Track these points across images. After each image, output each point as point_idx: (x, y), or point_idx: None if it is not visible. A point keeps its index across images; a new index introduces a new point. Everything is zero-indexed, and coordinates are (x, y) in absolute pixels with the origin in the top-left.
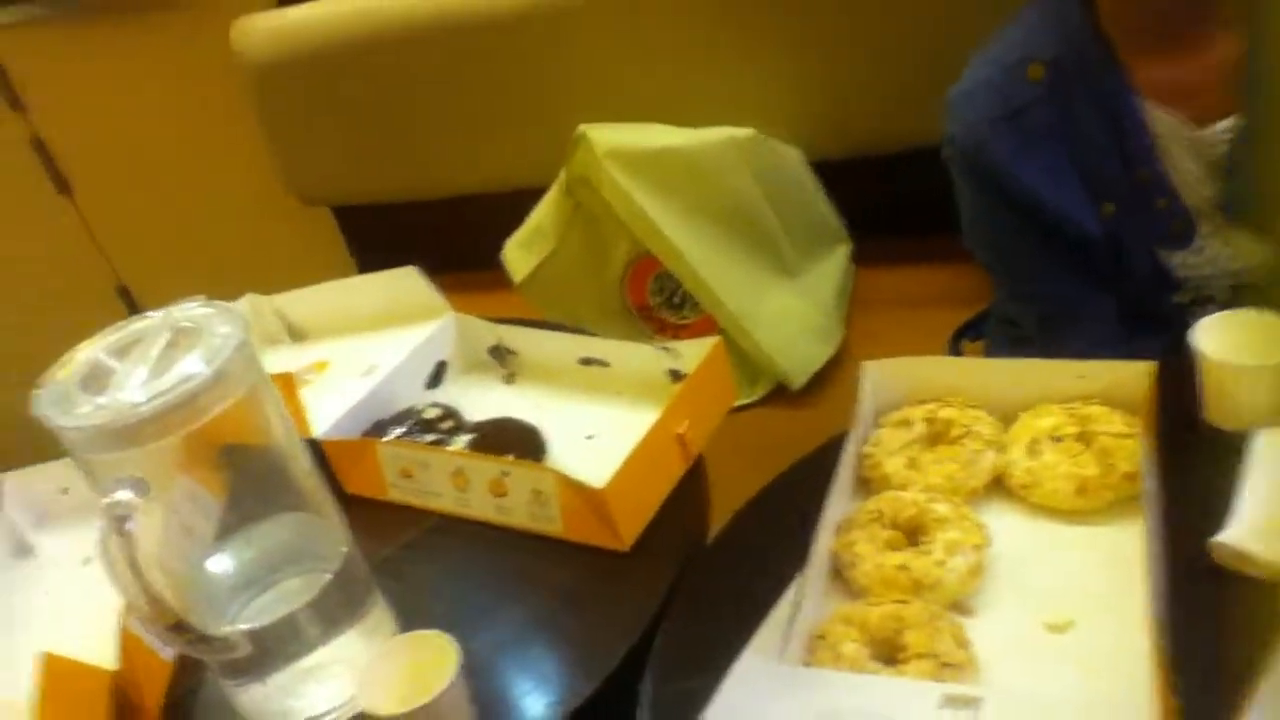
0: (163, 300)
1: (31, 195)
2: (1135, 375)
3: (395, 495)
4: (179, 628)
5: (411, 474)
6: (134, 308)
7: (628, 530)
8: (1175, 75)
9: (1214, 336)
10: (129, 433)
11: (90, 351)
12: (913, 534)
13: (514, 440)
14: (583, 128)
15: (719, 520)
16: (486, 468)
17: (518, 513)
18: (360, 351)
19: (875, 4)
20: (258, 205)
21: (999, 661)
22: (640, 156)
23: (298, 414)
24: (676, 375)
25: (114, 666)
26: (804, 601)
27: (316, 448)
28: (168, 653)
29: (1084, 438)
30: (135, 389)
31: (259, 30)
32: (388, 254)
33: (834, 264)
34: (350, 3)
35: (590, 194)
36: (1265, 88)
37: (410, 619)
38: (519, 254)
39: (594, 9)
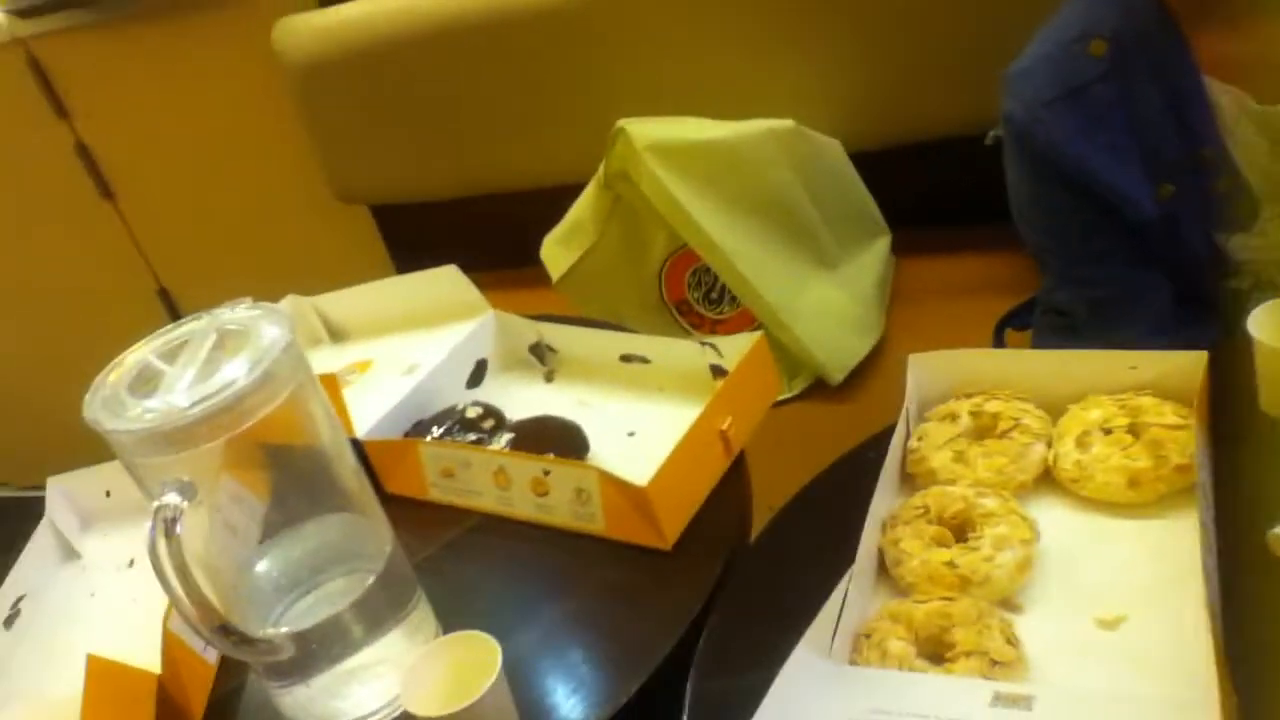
0: (202, 302)
1: (75, 201)
2: (1187, 365)
3: (436, 495)
4: (225, 630)
5: (453, 473)
6: (174, 310)
7: (671, 528)
8: (1240, 50)
9: (1271, 323)
10: (178, 436)
11: (139, 355)
12: (959, 529)
13: (555, 438)
14: (621, 122)
15: (758, 516)
16: (528, 466)
17: (560, 511)
18: (401, 351)
19: None
20: (295, 206)
21: (1049, 659)
22: (679, 150)
23: (342, 414)
24: (718, 371)
25: (158, 669)
26: (850, 599)
27: (358, 448)
28: (211, 655)
29: (1134, 429)
30: (183, 392)
31: (300, 30)
32: (425, 252)
33: (874, 255)
34: (390, 2)
35: (629, 188)
36: None
37: (452, 619)
38: (557, 250)
39: (631, 4)
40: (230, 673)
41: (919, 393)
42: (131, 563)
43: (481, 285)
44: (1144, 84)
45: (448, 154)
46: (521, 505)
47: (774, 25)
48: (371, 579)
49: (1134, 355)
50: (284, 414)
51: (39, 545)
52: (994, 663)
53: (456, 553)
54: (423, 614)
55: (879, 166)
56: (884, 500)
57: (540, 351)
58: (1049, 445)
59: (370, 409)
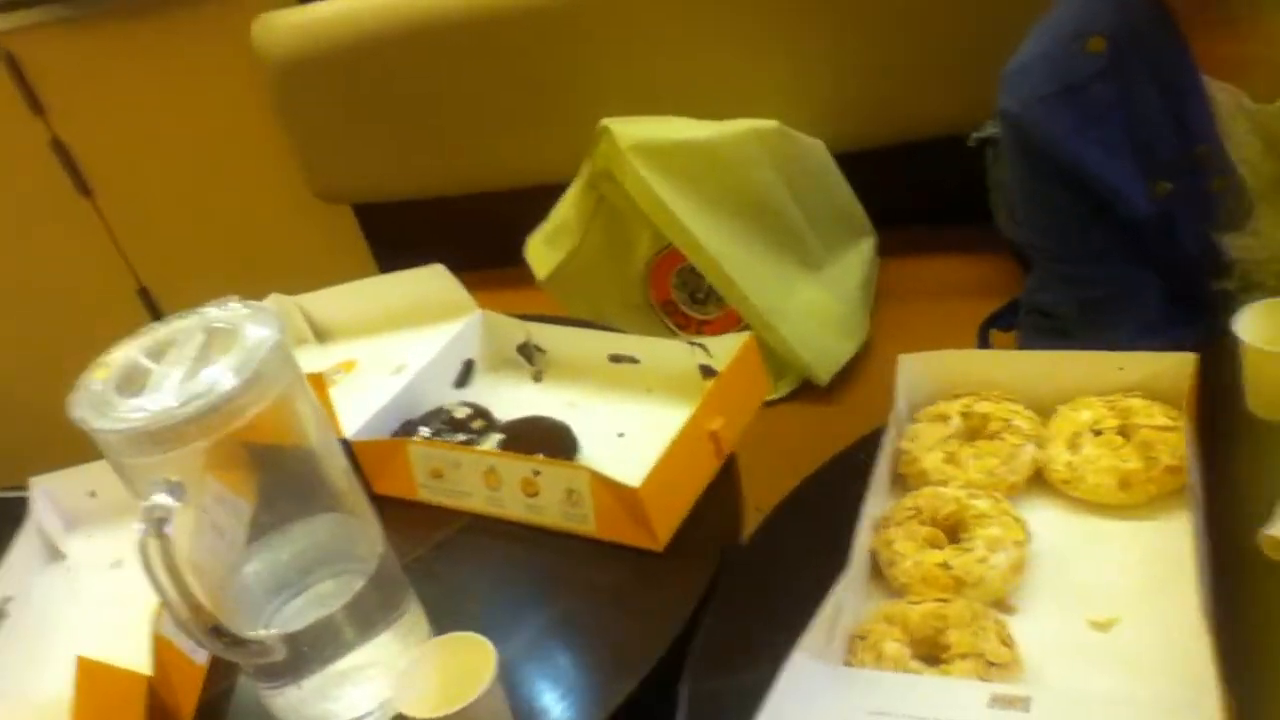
0: (183, 301)
1: (52, 198)
2: (1176, 366)
3: (425, 495)
4: (216, 631)
5: (442, 474)
6: (154, 309)
7: (663, 529)
8: (1237, 48)
9: (1257, 324)
10: (166, 435)
11: (126, 353)
12: (952, 531)
13: (545, 439)
14: (605, 121)
15: (746, 516)
16: (518, 467)
17: (550, 512)
18: (387, 351)
19: None
20: (277, 204)
21: (1043, 660)
22: (663, 149)
23: (329, 415)
24: (708, 371)
25: (148, 671)
26: (845, 601)
27: (346, 448)
28: (201, 656)
29: (1125, 431)
30: (172, 391)
31: (280, 27)
32: (408, 251)
33: (859, 256)
34: None
35: (613, 188)
36: None
37: (443, 620)
38: (542, 250)
39: (615, 2)
40: (220, 674)
41: (908, 393)
42: (118, 563)
43: (466, 284)
44: (1142, 82)
45: (430, 152)
46: (512, 506)
47: (759, 25)
48: (363, 580)
49: (1122, 356)
50: (273, 413)
51: (23, 546)
52: (990, 664)
53: (446, 554)
54: (415, 616)
55: (863, 167)
56: (876, 501)
57: (529, 351)
58: (1040, 446)
59: (357, 409)
